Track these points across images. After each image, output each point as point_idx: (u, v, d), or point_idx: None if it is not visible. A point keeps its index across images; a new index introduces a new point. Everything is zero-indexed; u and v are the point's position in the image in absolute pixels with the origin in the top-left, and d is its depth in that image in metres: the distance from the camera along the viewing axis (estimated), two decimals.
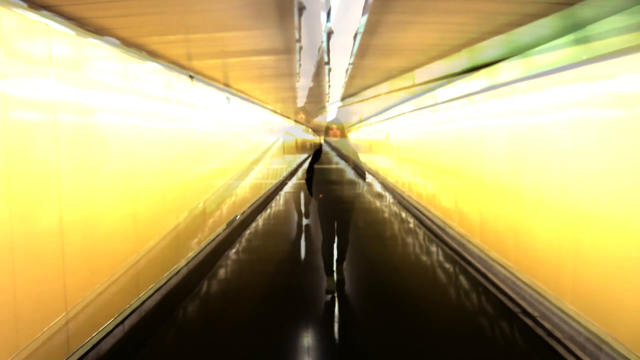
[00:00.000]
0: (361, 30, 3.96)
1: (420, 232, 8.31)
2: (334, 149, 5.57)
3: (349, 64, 5.93)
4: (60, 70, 3.13)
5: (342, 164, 5.53)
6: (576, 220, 3.63)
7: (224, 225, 7.54)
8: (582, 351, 3.50)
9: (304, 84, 8.31)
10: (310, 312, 4.73)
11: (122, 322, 3.90)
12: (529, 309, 4.31)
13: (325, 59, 6.09)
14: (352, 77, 7.17)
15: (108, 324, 3.70)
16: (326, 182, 5.44)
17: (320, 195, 5.41)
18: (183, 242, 5.56)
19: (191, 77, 6.05)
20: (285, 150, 16.71)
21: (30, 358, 2.77)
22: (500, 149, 5.19)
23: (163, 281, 4.86)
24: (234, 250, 7.09)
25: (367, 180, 5.33)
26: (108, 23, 3.44)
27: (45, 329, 2.94)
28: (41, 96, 2.94)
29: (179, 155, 5.54)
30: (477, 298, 5.02)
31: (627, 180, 3.05)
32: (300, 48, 4.85)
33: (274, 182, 13.67)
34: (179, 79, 5.57)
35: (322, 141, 5.76)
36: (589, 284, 3.48)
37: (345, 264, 5.60)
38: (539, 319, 4.12)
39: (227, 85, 7.61)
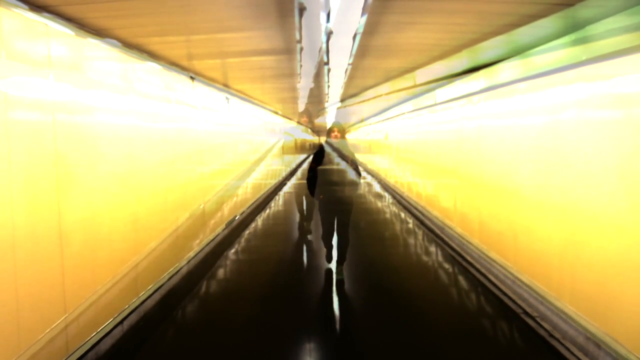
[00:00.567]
0: (360, 30, 3.96)
1: (420, 232, 8.32)
2: (335, 149, 5.99)
3: (348, 64, 5.94)
4: (59, 71, 3.12)
5: (343, 165, 5.91)
6: (575, 220, 3.63)
7: (223, 226, 7.54)
8: (581, 351, 3.51)
9: (304, 84, 8.32)
10: (310, 312, 4.73)
11: (121, 322, 3.90)
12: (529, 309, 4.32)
13: (325, 60, 6.10)
14: (351, 77, 7.18)
15: (107, 323, 3.70)
16: (327, 183, 5.82)
17: (321, 196, 5.82)
18: (182, 243, 5.56)
19: (192, 78, 6.05)
20: (284, 150, 16.72)
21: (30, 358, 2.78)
22: (499, 149, 5.19)
23: (162, 281, 4.85)
24: (232, 251, 7.09)
25: (361, 175, 6.04)
26: (108, 23, 3.44)
27: (47, 330, 2.94)
28: (40, 96, 2.94)
29: (180, 156, 5.54)
30: (476, 298, 5.02)
31: (627, 181, 3.05)
32: (301, 49, 4.86)
33: (273, 182, 13.67)
34: (179, 80, 5.57)
35: (324, 142, 6.14)
36: (588, 284, 3.49)
37: (348, 258, 5.75)
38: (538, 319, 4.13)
39: (227, 86, 7.61)
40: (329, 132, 6.12)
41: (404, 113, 11.06)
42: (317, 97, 11.42)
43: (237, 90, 8.45)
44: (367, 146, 20.12)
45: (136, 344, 3.92)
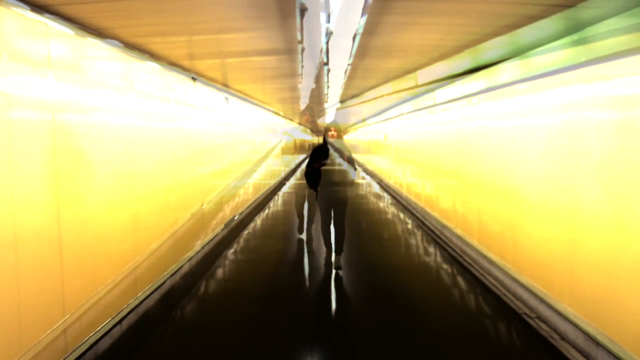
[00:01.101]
0: (360, 31, 3.96)
1: (419, 233, 8.32)
2: (336, 150, 6.30)
3: (348, 64, 5.94)
4: (59, 71, 3.12)
5: (344, 165, 6.27)
6: (574, 220, 3.63)
7: (222, 226, 7.53)
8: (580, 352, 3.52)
9: (306, 84, 8.32)
10: (308, 311, 4.73)
11: (119, 322, 3.90)
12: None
13: (324, 60, 6.10)
14: (350, 78, 7.18)
15: (106, 323, 3.70)
16: (329, 183, 6.16)
17: (319, 188, 6.19)
18: (182, 243, 5.55)
19: (194, 78, 6.05)
20: (283, 151, 16.73)
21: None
22: (498, 149, 5.19)
23: (161, 281, 4.85)
24: (231, 251, 7.08)
25: (356, 169, 6.47)
26: (109, 23, 3.44)
27: (49, 331, 2.94)
28: (40, 96, 2.93)
29: (181, 157, 5.54)
30: (474, 299, 5.03)
31: (627, 181, 3.05)
32: (303, 49, 4.86)
33: (272, 182, 13.67)
34: (179, 80, 5.56)
35: (326, 142, 6.33)
36: (586, 284, 3.49)
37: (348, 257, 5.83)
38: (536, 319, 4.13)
39: (228, 86, 7.61)
40: (326, 131, 6.38)
41: (403, 114, 11.06)
42: (317, 98, 11.42)
43: (238, 91, 8.45)
44: (366, 147, 20.11)
45: (135, 343, 3.92)
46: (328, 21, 4.17)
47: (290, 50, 4.87)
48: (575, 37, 3.60)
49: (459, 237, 6.55)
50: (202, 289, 5.41)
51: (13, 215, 2.66)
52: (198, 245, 6.22)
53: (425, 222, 8.57)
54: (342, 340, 4.12)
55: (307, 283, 5.82)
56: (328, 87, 9.15)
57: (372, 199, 12.97)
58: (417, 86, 7.95)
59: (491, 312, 4.66)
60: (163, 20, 3.55)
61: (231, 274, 6.11)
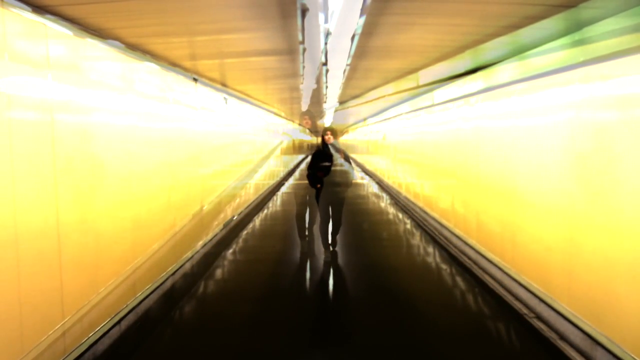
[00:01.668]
0: (359, 31, 3.97)
1: (418, 233, 8.33)
2: (337, 150, 6.97)
3: (347, 65, 5.94)
4: (58, 71, 3.12)
5: (346, 166, 7.00)
6: (573, 221, 3.64)
7: (221, 226, 7.53)
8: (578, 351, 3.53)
9: (307, 85, 8.32)
10: (308, 311, 4.74)
11: (118, 322, 3.90)
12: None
13: (323, 60, 6.11)
14: (349, 78, 7.19)
15: (104, 323, 3.70)
16: (331, 184, 6.79)
17: (318, 185, 6.78)
18: (181, 243, 5.55)
19: (195, 79, 6.04)
20: (283, 151, 16.73)
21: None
22: (497, 150, 5.20)
23: (160, 281, 4.85)
24: (230, 251, 7.09)
25: (352, 165, 7.25)
26: (110, 23, 3.44)
27: (50, 332, 2.94)
28: (39, 96, 2.94)
29: (182, 158, 5.54)
30: (473, 299, 5.04)
31: (627, 181, 3.06)
32: (304, 50, 4.87)
33: (271, 182, 13.67)
34: (180, 81, 5.56)
35: (326, 145, 6.89)
36: (585, 284, 3.50)
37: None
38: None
39: (229, 86, 7.61)
40: (323, 133, 6.93)
41: (401, 114, 11.07)
42: (317, 98, 11.42)
43: (239, 91, 8.45)
44: (364, 147, 20.11)
45: (134, 343, 3.92)
46: (326, 22, 4.18)
47: (291, 50, 4.87)
48: (577, 36, 3.59)
49: (458, 237, 6.56)
50: (201, 289, 5.42)
51: (14, 215, 2.66)
52: (197, 245, 6.21)
53: (425, 222, 8.58)
54: (342, 340, 4.12)
55: (306, 283, 5.83)
56: (326, 87, 9.16)
57: (372, 199, 12.98)
58: (417, 87, 7.96)
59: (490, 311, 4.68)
60: (164, 21, 3.55)
61: (230, 274, 6.11)
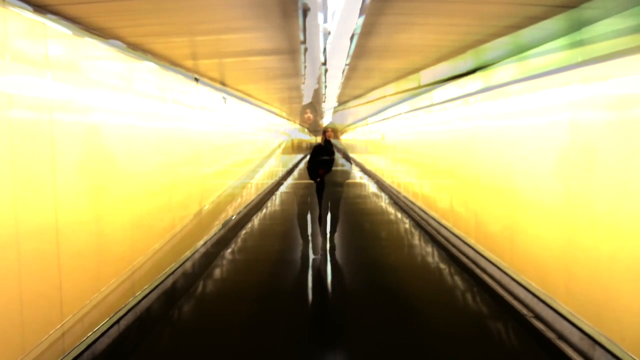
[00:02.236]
0: (358, 31, 3.97)
1: (417, 233, 8.34)
2: (339, 150, 7.22)
3: (346, 65, 5.95)
4: (58, 71, 3.12)
5: (347, 166, 7.28)
6: (572, 220, 3.65)
7: (220, 226, 7.53)
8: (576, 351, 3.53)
9: (308, 85, 8.33)
10: (308, 311, 4.74)
11: (117, 321, 3.90)
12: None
13: (322, 60, 6.12)
14: (348, 78, 7.20)
15: (103, 323, 3.70)
16: (331, 184, 7.10)
17: (318, 179, 7.04)
18: (181, 243, 5.55)
19: (196, 79, 6.03)
20: (282, 151, 16.73)
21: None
22: (496, 149, 5.21)
23: (159, 281, 4.85)
24: (229, 251, 7.09)
25: (351, 163, 7.71)
26: (110, 23, 3.43)
27: (52, 331, 2.94)
28: (39, 96, 2.93)
29: (182, 158, 5.54)
30: (471, 298, 5.05)
31: (626, 181, 3.07)
32: (306, 49, 4.87)
33: (270, 182, 13.67)
34: (181, 81, 5.55)
35: (327, 142, 6.98)
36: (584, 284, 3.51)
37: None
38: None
39: (230, 86, 7.61)
40: (323, 132, 7.00)
41: (400, 114, 11.07)
42: (317, 98, 11.42)
43: (239, 91, 8.44)
44: (363, 146, 20.10)
45: (133, 343, 3.92)
46: (325, 21, 4.19)
47: (292, 50, 4.87)
48: (576, 36, 3.59)
49: (457, 236, 6.57)
50: (200, 288, 5.42)
51: (15, 214, 2.66)
52: (196, 244, 6.21)
53: (424, 222, 8.58)
54: (342, 340, 4.13)
55: (305, 282, 5.83)
56: (326, 87, 9.17)
57: (371, 199, 12.98)
58: (417, 88, 7.97)
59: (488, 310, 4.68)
60: (165, 21, 3.55)
61: (229, 273, 6.11)
